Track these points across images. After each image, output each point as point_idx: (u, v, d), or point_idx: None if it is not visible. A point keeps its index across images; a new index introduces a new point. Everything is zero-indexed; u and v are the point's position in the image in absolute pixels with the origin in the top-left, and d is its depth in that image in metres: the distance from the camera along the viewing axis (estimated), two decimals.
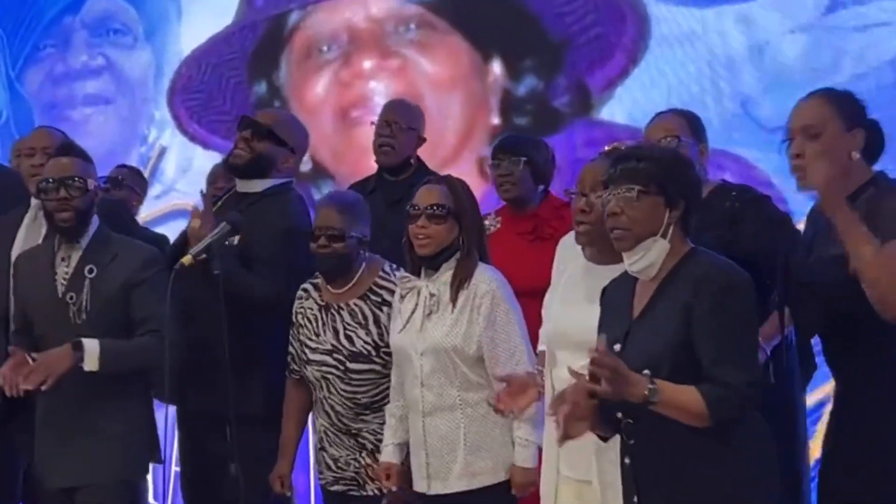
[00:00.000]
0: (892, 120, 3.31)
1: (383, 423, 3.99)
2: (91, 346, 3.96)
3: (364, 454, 4.04)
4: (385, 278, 4.06)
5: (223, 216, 4.21)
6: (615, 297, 3.14)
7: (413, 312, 3.85)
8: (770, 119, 5.33)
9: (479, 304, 3.76)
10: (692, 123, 4.16)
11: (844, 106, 3.18)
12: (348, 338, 4.02)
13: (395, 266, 4.07)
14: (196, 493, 4.50)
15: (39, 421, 4.18)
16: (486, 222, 4.47)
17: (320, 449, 4.15)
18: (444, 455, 3.81)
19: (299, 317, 4.13)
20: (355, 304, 4.04)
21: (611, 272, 3.26)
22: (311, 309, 4.11)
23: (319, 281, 4.13)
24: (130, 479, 4.17)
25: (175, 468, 5.52)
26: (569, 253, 3.64)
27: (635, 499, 3.03)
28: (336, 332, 4.04)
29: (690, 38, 5.70)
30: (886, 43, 5.24)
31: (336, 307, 4.06)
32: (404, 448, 3.94)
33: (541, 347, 3.71)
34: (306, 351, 4.10)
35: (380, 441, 4.00)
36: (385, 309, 4.01)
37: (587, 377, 2.84)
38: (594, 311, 3.22)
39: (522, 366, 3.71)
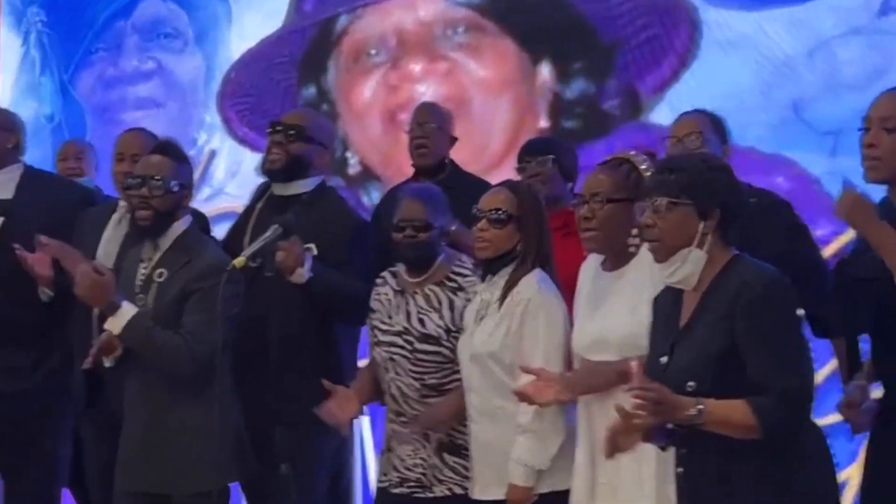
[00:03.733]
0: None
1: None
2: (127, 309, 3.98)
3: (430, 451, 4.03)
4: (461, 265, 4.10)
5: (267, 220, 4.29)
6: (664, 307, 3.13)
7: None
8: (822, 122, 5.28)
9: (515, 310, 3.79)
10: (716, 123, 4.25)
11: None
12: (420, 321, 4.06)
13: (472, 260, 4.10)
14: (252, 495, 4.52)
15: (124, 423, 4.19)
16: None
17: (387, 450, 4.14)
18: (486, 461, 3.84)
19: (374, 302, 4.19)
20: (430, 290, 4.09)
21: (615, 277, 3.39)
22: (387, 294, 4.16)
23: (398, 269, 4.19)
24: (212, 490, 4.03)
25: None
26: (587, 270, 3.69)
27: None
28: (408, 314, 4.08)
29: (742, 42, 5.65)
30: None
31: (412, 292, 4.11)
32: None
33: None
34: (377, 333, 4.14)
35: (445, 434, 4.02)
36: (460, 294, 4.04)
37: (632, 409, 2.83)
38: (600, 315, 3.42)
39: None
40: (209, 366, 3.94)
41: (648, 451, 3.18)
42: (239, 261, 3.97)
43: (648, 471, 3.30)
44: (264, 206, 4.52)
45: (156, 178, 4.08)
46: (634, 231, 3.41)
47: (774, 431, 2.82)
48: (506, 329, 3.80)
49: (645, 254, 3.34)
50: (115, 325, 3.98)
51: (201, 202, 6.82)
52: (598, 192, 3.46)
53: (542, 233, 3.89)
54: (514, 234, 3.85)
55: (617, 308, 3.46)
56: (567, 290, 3.81)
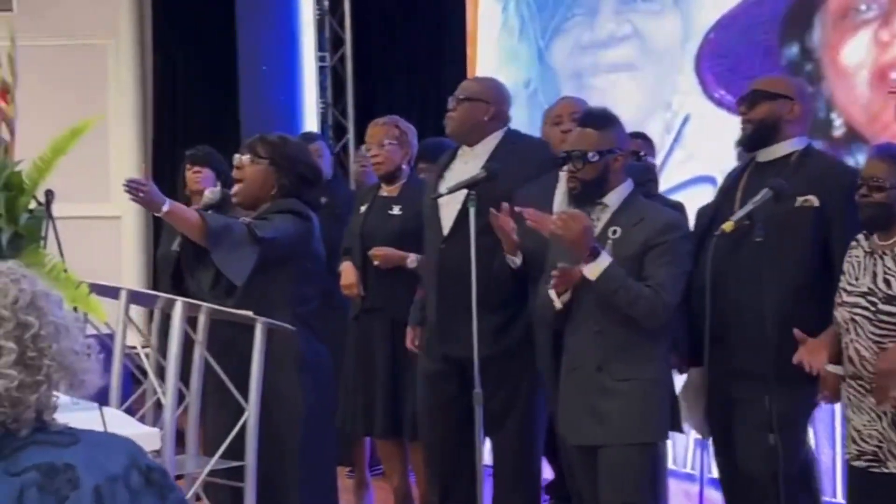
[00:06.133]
0: None
1: None
2: (604, 259, 4.10)
3: (886, 423, 3.93)
4: None
5: (754, 186, 4.25)
6: None
7: None
8: None
9: None
10: None
11: None
12: (886, 282, 3.97)
13: None
14: (728, 463, 4.47)
15: (563, 377, 4.28)
16: None
17: (846, 419, 4.09)
18: None
19: (846, 264, 4.11)
20: None
21: None
22: (858, 256, 4.09)
23: None
24: (651, 442, 4.22)
25: (695, 436, 5.48)
26: None
27: None
28: (874, 275, 4.00)
29: None
30: None
31: (880, 253, 4.02)
32: None
33: None
34: (842, 294, 4.06)
35: None
36: None
37: None
38: None
39: None
40: (669, 318, 4.16)
41: None
42: (728, 225, 4.05)
43: None
44: (751, 173, 4.48)
45: (577, 152, 4.25)
46: None
47: None
48: None
49: None
50: (593, 271, 4.09)
51: (676, 164, 6.76)
52: None
53: None
54: None
55: None
56: None
